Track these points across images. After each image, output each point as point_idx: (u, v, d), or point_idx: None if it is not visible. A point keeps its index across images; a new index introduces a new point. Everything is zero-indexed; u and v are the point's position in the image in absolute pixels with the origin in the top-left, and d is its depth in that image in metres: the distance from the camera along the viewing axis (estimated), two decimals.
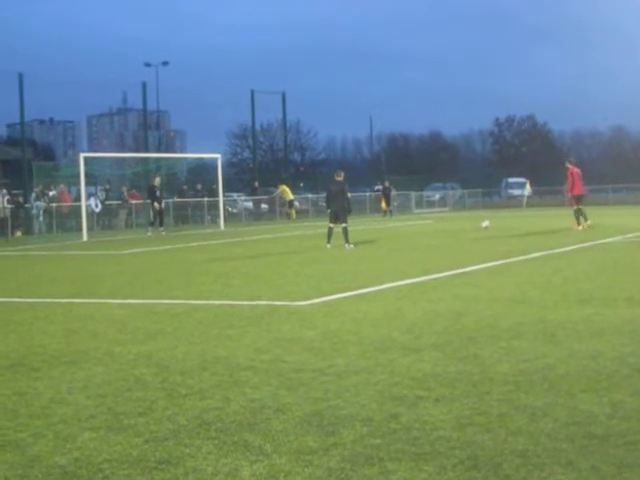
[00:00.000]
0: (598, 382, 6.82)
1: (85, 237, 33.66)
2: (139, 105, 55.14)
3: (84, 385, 7.35)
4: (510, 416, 5.93)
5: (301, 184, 76.57)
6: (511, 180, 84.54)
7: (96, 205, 41.35)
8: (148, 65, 75.08)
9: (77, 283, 16.33)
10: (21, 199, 40.63)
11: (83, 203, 35.87)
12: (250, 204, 54.05)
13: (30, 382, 7.54)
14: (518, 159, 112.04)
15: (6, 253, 27.36)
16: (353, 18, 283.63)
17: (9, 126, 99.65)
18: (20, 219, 39.66)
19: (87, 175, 37.07)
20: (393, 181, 58.48)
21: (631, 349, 8.06)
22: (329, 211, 23.97)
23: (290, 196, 51.09)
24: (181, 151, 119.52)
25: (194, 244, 28.74)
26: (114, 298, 13.48)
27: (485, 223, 31.10)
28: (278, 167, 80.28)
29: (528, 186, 59.39)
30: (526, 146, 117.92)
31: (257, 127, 66.77)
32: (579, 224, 28.59)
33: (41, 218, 39.54)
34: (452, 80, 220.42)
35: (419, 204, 63.34)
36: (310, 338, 9.23)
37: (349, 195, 24.46)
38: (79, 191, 37.59)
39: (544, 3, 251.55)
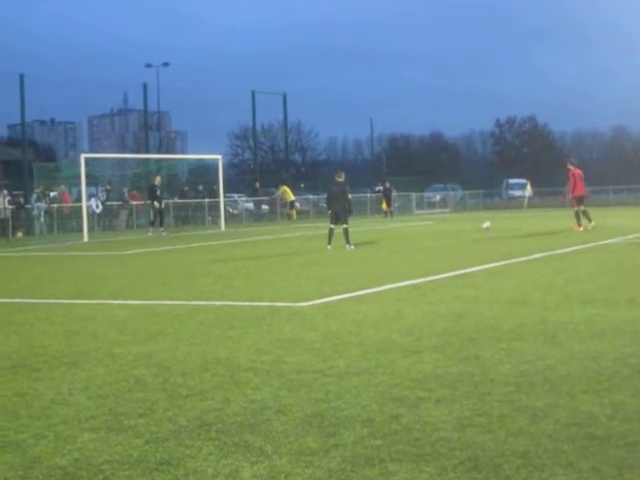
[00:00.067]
0: (599, 383, 6.82)
1: (86, 238, 33.67)
2: (140, 106, 55.23)
3: (85, 386, 7.35)
4: (511, 417, 5.93)
5: (302, 185, 76.52)
6: (512, 181, 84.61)
7: (97, 206, 41.36)
8: (149, 66, 75.16)
9: (78, 284, 16.33)
10: (22, 200, 40.65)
11: (84, 204, 35.87)
12: (251, 205, 54.07)
13: (31, 383, 7.54)
14: (519, 160, 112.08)
15: (7, 254, 27.37)
16: (353, 18, 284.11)
17: (10, 127, 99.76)
18: (21, 220, 39.68)
19: (88, 176, 37.09)
20: (394, 182, 58.49)
21: (632, 350, 8.06)
22: (330, 212, 23.98)
23: (291, 197, 51.11)
24: (182, 152, 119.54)
25: (195, 245, 28.74)
26: (115, 299, 13.48)
27: (486, 224, 31.10)
28: (279, 168, 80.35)
29: (529, 187, 59.45)
30: (527, 147, 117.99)
31: (258, 128, 66.84)
32: (580, 225, 28.59)
33: (42, 219, 39.56)
34: (453, 81, 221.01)
35: (420, 205, 63.37)
36: (311, 339, 9.23)
37: (350, 196, 24.46)
38: (80, 192, 37.60)
39: (544, 3, 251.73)
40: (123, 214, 43.86)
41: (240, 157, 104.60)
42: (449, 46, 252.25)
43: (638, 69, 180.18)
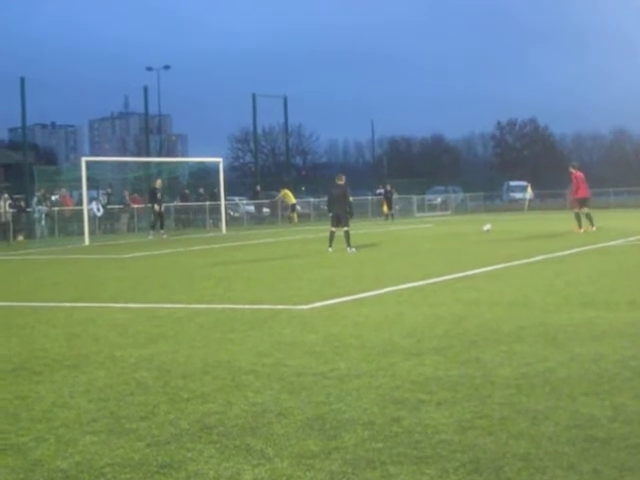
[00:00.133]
0: (600, 385, 6.82)
1: (87, 241, 33.68)
2: (141, 109, 55.29)
3: (86, 389, 7.35)
4: (512, 419, 5.93)
5: (303, 188, 76.57)
6: (513, 183, 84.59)
7: (98, 209, 41.39)
8: (150, 69, 75.20)
9: (79, 287, 16.33)
10: (23, 203, 40.67)
11: (85, 207, 35.88)
12: (252, 208, 54.09)
13: (32, 386, 7.54)
14: (520, 162, 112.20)
15: (8, 257, 27.38)
16: (354, 22, 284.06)
17: (11, 130, 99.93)
18: (22, 223, 39.70)
19: (89, 179, 37.11)
20: (395, 184, 58.53)
21: (633, 352, 8.06)
22: (330, 215, 23.99)
23: (292, 200, 51.13)
24: (183, 155, 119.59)
25: (196, 248, 28.75)
26: (116, 302, 13.49)
27: (487, 227, 31.09)
28: (280, 171, 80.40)
29: (530, 189, 59.47)
30: (528, 149, 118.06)
31: (259, 131, 66.99)
32: (580, 227, 28.60)
33: (43, 222, 39.56)
34: (454, 83, 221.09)
35: (421, 208, 63.37)
36: (312, 342, 9.24)
37: (351, 199, 24.46)
38: (81, 195, 37.62)
39: (545, 6, 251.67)
40: (124, 217, 43.88)
41: (241, 160, 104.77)
42: (450, 49, 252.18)
43: (638, 71, 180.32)
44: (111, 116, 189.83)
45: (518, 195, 72.68)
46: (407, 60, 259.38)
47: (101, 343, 9.66)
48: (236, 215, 52.39)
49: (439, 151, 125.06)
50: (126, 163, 54.21)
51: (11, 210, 38.32)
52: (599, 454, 5.14)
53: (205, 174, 57.29)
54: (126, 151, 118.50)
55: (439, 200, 69.31)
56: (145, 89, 50.80)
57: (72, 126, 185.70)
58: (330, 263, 19.88)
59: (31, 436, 5.96)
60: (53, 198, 41.84)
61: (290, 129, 71.77)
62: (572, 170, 29.99)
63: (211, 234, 39.21)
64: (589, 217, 28.89)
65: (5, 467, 5.31)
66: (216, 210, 44.33)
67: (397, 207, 57.36)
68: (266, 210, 53.68)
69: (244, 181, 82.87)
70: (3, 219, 37.93)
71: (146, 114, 54.18)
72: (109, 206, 43.46)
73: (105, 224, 42.99)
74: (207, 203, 46.47)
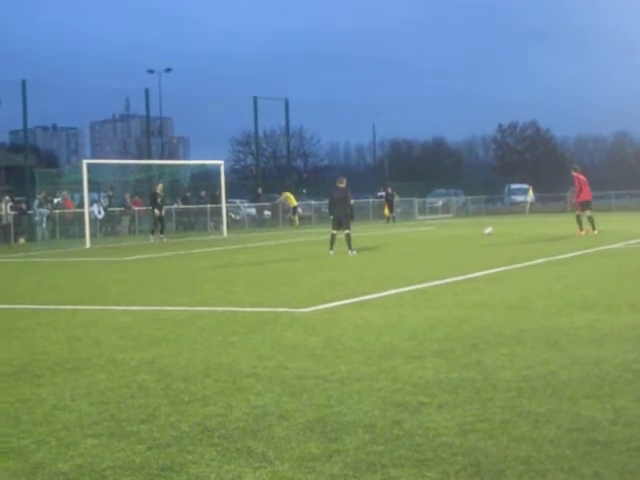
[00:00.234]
0: (601, 388, 6.82)
1: (88, 244, 33.68)
2: (142, 112, 55.43)
3: (87, 392, 7.35)
4: (513, 422, 5.93)
5: (304, 191, 76.59)
6: (514, 186, 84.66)
7: (99, 212, 41.41)
8: (151, 72, 75.10)
9: (80, 290, 16.34)
10: (24, 206, 40.69)
11: (86, 210, 35.89)
12: (253, 211, 54.11)
13: (33, 389, 7.54)
14: (521, 165, 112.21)
15: (9, 260, 27.39)
16: (355, 24, 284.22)
17: (12, 133, 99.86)
18: (23, 226, 39.70)
19: (90, 182, 37.11)
20: (396, 187, 58.48)
21: (634, 355, 8.06)
22: (332, 218, 23.99)
23: (294, 203, 51.16)
24: (184, 158, 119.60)
25: (197, 251, 28.76)
26: (117, 305, 13.49)
27: (488, 229, 31.09)
28: (281, 174, 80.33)
29: (531, 192, 59.39)
30: (529, 152, 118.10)
31: (260, 133, 66.94)
32: (582, 229, 28.60)
33: (44, 225, 39.59)
34: (455, 86, 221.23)
35: (422, 210, 63.37)
36: (313, 345, 9.24)
37: (352, 201, 24.47)
38: (82, 198, 37.64)
39: (547, 9, 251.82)
40: (125, 220, 43.90)
41: (242, 163, 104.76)
42: (450, 51, 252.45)
43: None
44: (112, 118, 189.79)
45: (519, 198, 72.66)
46: (408, 62, 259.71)
47: (102, 346, 9.66)
48: (237, 218, 52.39)
49: (440, 154, 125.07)
50: (127, 166, 54.30)
51: (12, 213, 38.35)
52: (600, 457, 5.14)
53: (206, 177, 57.25)
54: (127, 154, 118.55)
55: (440, 203, 69.31)
56: (146, 91, 50.88)
57: (73, 129, 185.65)
58: (331, 266, 19.88)
59: (32, 439, 5.96)
60: (55, 201, 41.86)
61: (291, 132, 71.79)
62: (574, 173, 30.04)
63: (212, 237, 39.23)
64: (591, 220, 28.90)
65: (6, 470, 5.31)
66: (217, 213, 44.35)
67: (398, 210, 57.34)
68: (267, 213, 53.69)
69: (245, 184, 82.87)
70: (4, 222, 37.95)
71: (147, 116, 54.23)
72: (110, 209, 43.49)
73: (106, 227, 43.01)
74: (208, 206, 46.48)
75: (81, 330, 10.88)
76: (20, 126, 46.52)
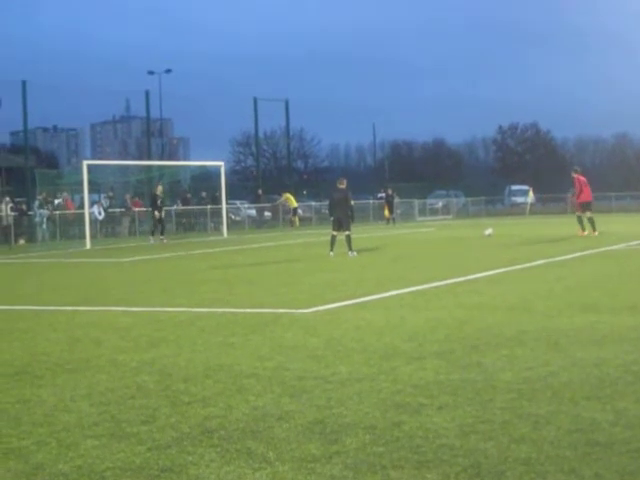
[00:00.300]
0: (601, 390, 6.82)
1: (88, 245, 33.68)
2: (142, 113, 55.43)
3: (87, 393, 7.35)
4: (513, 424, 5.93)
5: (304, 192, 76.59)
6: (514, 188, 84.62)
7: (99, 213, 41.39)
8: (151, 73, 75.14)
9: (80, 291, 16.34)
10: (24, 207, 40.68)
11: (86, 211, 35.89)
12: (253, 212, 54.11)
13: (33, 390, 7.55)
14: (521, 167, 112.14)
15: (9, 261, 27.39)
16: (355, 25, 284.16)
17: (12, 134, 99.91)
18: (23, 227, 39.68)
19: (90, 183, 37.11)
20: (396, 188, 58.48)
21: (634, 357, 8.06)
22: (332, 219, 24.00)
23: (294, 204, 51.15)
24: (184, 158, 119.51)
25: (197, 252, 28.76)
26: (117, 306, 13.49)
27: (488, 231, 31.08)
28: (281, 175, 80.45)
29: (531, 193, 59.36)
30: (529, 154, 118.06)
31: (260, 135, 66.97)
32: (584, 230, 28.61)
33: (44, 226, 39.55)
34: (455, 87, 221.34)
35: (422, 212, 63.34)
36: (313, 346, 9.23)
37: (352, 203, 24.47)
38: (82, 199, 37.64)
39: (547, 10, 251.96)
40: (125, 221, 43.88)
41: (242, 164, 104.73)
42: (451, 52, 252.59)
43: None
44: (113, 119, 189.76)
45: (520, 199, 72.67)
46: (408, 63, 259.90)
47: (102, 347, 9.66)
48: (237, 219, 52.38)
49: (441, 155, 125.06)
50: (128, 167, 54.25)
51: (12, 214, 38.34)
52: (601, 458, 5.14)
53: (207, 178, 57.25)
54: (127, 155, 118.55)
55: (440, 204, 69.26)
56: (147, 93, 50.89)
57: (74, 129, 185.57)
58: (331, 267, 19.88)
59: (33, 440, 5.96)
60: (56, 202, 41.86)
61: (292, 133, 71.76)
62: (574, 174, 30.04)
63: (212, 238, 39.22)
64: (591, 221, 28.90)
65: (7, 471, 5.31)
66: (217, 214, 44.34)
67: (398, 211, 57.33)
68: (268, 214, 53.69)
69: (246, 185, 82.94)
70: (5, 223, 37.93)
71: (148, 117, 54.25)
72: (111, 209, 43.47)
73: (106, 227, 42.98)
74: (209, 207, 46.47)
75: (81, 331, 10.88)
76: (20, 127, 46.55)
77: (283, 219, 51.76)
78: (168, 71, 75.84)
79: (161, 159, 72.41)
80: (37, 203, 39.85)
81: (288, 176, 65.43)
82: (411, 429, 5.88)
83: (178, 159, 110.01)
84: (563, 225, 35.47)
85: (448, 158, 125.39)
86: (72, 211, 41.71)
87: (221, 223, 42.67)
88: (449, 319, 10.80)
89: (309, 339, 9.67)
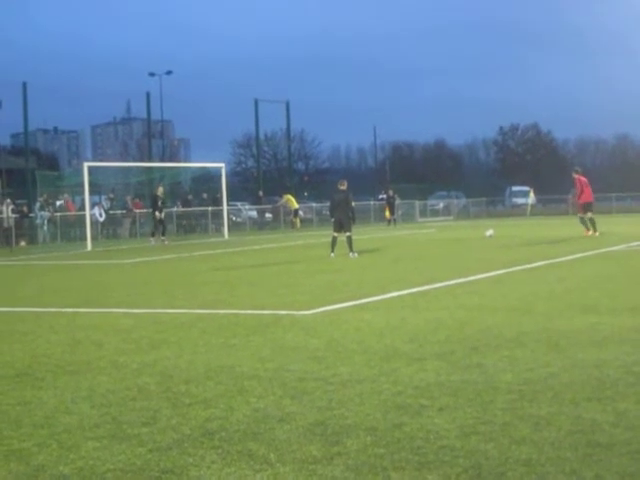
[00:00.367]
0: (602, 391, 6.82)
1: (89, 246, 33.69)
2: (143, 114, 55.50)
3: (88, 394, 7.35)
4: (514, 425, 5.93)
5: (305, 193, 76.64)
6: (515, 189, 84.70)
7: (100, 214, 41.41)
8: (152, 75, 75.21)
9: (81, 293, 16.34)
10: (25, 209, 40.71)
11: (87, 212, 35.91)
12: (254, 213, 54.14)
13: (34, 391, 7.55)
14: (522, 168, 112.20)
15: (10, 263, 27.40)
16: (356, 27, 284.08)
17: (13, 136, 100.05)
18: (24, 229, 39.72)
19: (91, 184, 37.12)
20: (397, 190, 58.49)
21: (635, 358, 8.05)
22: (333, 220, 24.01)
23: (295, 205, 51.18)
24: (185, 160, 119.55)
25: (198, 253, 28.76)
26: (118, 308, 13.50)
27: (489, 232, 31.08)
28: (282, 176, 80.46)
29: (532, 194, 59.44)
30: (530, 155, 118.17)
31: (261, 136, 67.10)
32: (588, 229, 28.64)
33: (45, 227, 39.60)
34: (456, 89, 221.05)
35: (423, 213, 63.37)
36: (314, 347, 9.24)
37: (353, 204, 24.48)
38: (83, 200, 37.66)
39: (546, 11, 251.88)
40: (126, 222, 43.91)
41: (243, 165, 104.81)
42: (451, 54, 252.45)
43: None
44: (113, 121, 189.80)
45: (520, 200, 72.71)
46: (409, 65, 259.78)
47: (103, 349, 9.66)
48: (238, 220, 52.45)
49: (441, 156, 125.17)
50: (128, 168, 54.26)
51: (13, 215, 38.35)
52: (601, 460, 5.14)
53: (207, 179, 57.32)
54: (128, 156, 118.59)
55: (441, 205, 69.29)
56: (147, 94, 51.00)
57: (74, 131, 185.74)
58: (332, 268, 19.88)
59: (33, 442, 5.96)
60: (58, 204, 41.88)
61: (292, 134, 71.81)
62: (575, 175, 30.07)
63: (213, 239, 39.22)
64: (592, 222, 28.91)
65: (8, 473, 5.31)
66: (218, 215, 44.37)
67: (399, 212, 57.34)
68: (268, 215, 53.72)
69: (246, 186, 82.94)
70: (5, 224, 37.96)
71: (148, 119, 54.34)
72: (111, 211, 43.50)
73: (107, 229, 43.01)
74: (209, 208, 46.51)
75: (82, 333, 10.88)
76: (21, 129, 46.63)
77: (284, 220, 51.78)
78: (169, 73, 75.91)
79: (162, 161, 72.52)
80: (38, 205, 39.89)
81: (289, 177, 65.47)
82: (412, 430, 5.88)
83: (179, 161, 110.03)
84: (564, 226, 35.48)
85: (449, 159, 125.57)
86: (73, 213, 41.74)
87: (222, 224, 42.69)
88: (450, 320, 10.80)
89: (310, 340, 9.67)
